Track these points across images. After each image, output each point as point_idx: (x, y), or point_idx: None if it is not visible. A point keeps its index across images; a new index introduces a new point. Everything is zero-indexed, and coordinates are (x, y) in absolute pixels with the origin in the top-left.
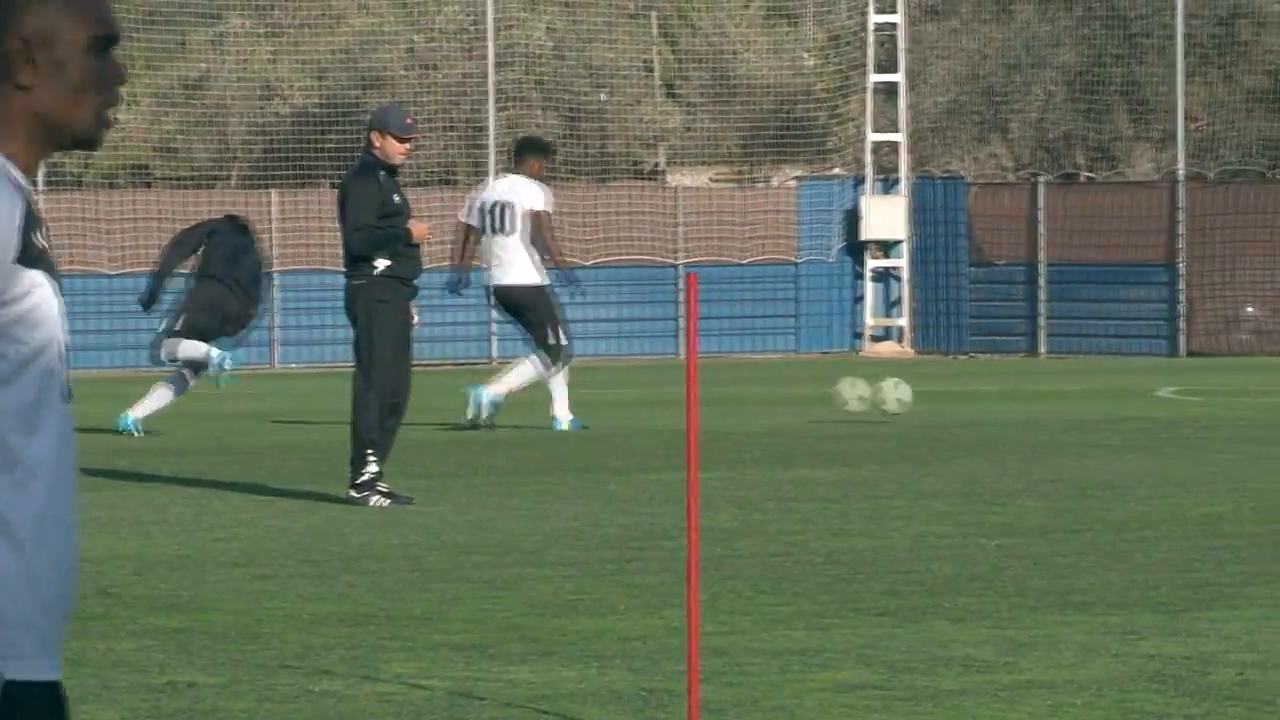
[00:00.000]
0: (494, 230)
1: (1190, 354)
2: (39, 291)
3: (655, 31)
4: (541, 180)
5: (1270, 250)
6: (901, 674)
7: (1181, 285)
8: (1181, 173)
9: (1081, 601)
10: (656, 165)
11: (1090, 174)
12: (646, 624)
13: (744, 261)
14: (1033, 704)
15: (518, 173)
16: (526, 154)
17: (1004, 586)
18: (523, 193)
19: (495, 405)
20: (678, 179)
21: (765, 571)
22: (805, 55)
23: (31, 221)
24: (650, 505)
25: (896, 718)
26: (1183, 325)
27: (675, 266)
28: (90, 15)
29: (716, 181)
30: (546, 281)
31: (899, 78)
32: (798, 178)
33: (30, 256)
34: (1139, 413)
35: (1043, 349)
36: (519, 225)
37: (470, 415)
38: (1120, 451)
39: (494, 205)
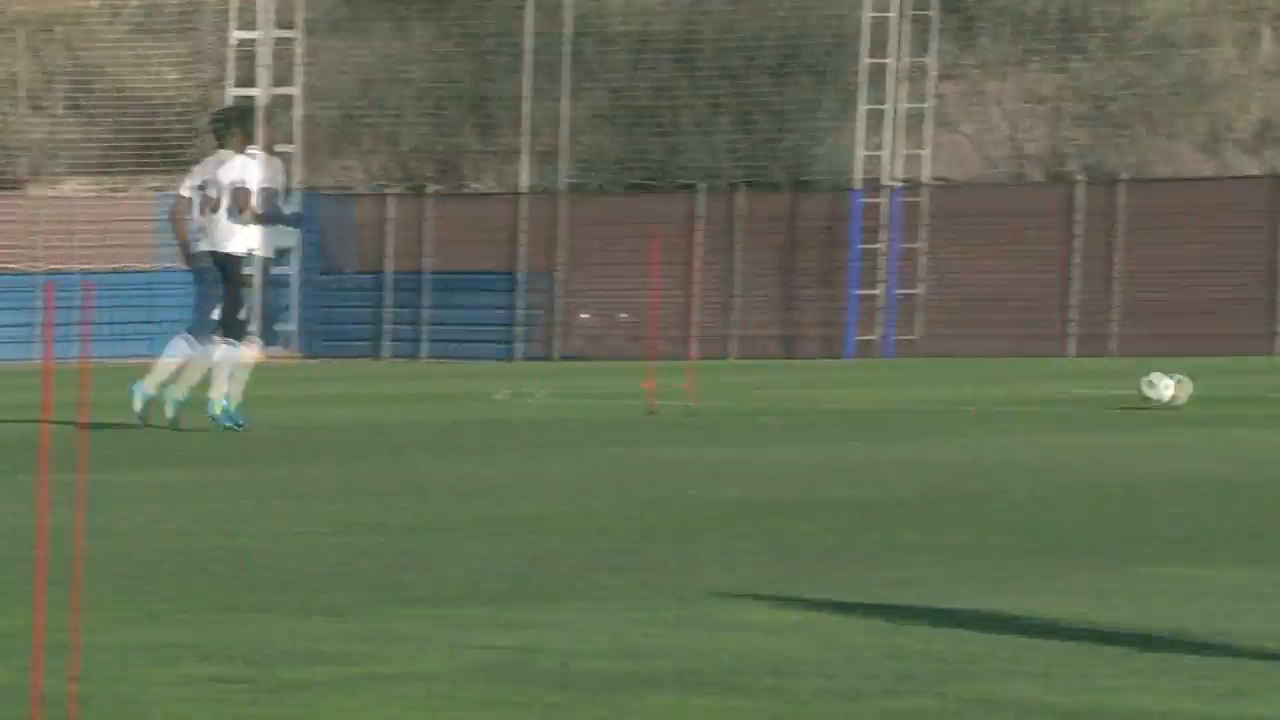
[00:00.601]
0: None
1: (531, 358)
2: None
3: (21, 44)
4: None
5: (615, 260)
6: (243, 667)
7: (523, 293)
8: (525, 185)
9: (416, 596)
10: (18, 176)
11: (439, 186)
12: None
13: (105, 269)
14: (370, 694)
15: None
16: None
17: (345, 582)
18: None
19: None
20: (39, 190)
21: (114, 569)
22: (169, 70)
23: None
24: (20, 505)
25: (236, 708)
26: (525, 331)
27: (35, 274)
28: None
29: (79, 191)
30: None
31: (259, 91)
32: (155, 188)
33: None
34: (478, 415)
35: (388, 353)
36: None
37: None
38: (458, 453)
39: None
